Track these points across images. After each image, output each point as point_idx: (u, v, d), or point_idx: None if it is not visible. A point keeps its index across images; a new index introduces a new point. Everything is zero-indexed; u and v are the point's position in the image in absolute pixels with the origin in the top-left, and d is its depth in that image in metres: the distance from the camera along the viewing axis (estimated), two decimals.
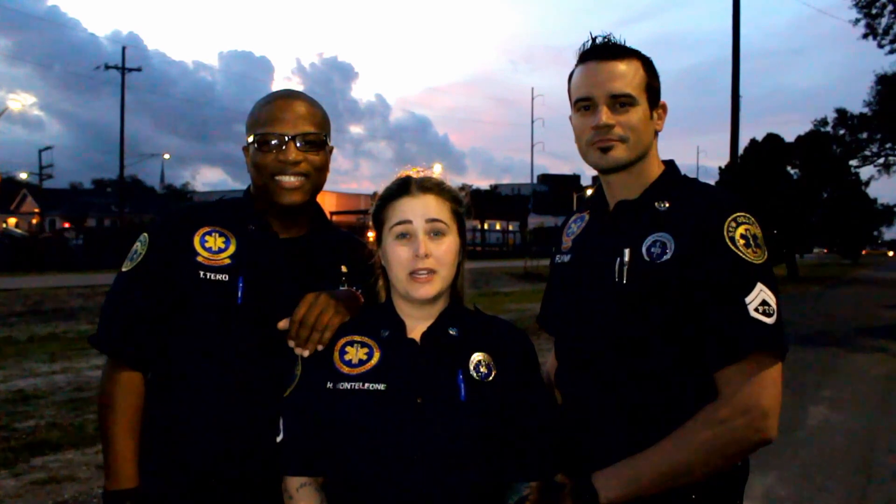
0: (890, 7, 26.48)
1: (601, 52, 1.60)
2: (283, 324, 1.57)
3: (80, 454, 5.26)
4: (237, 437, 1.63)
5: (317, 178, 1.72)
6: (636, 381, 1.54)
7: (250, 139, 1.71)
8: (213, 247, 1.70)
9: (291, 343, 1.54)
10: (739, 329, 1.44)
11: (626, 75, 1.58)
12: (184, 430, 1.65)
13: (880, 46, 26.98)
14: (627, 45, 1.63)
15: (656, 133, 1.66)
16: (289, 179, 1.67)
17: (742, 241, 1.48)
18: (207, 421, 1.64)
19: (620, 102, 1.57)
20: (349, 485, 1.43)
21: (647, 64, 1.62)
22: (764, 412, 1.43)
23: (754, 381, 1.43)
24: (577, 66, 1.65)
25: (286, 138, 1.66)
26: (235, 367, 1.64)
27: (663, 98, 1.67)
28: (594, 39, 1.63)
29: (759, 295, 1.45)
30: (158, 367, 1.70)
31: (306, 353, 1.52)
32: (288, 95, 1.74)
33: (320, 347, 1.52)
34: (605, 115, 1.57)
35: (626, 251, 1.56)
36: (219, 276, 1.66)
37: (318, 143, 1.71)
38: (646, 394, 1.54)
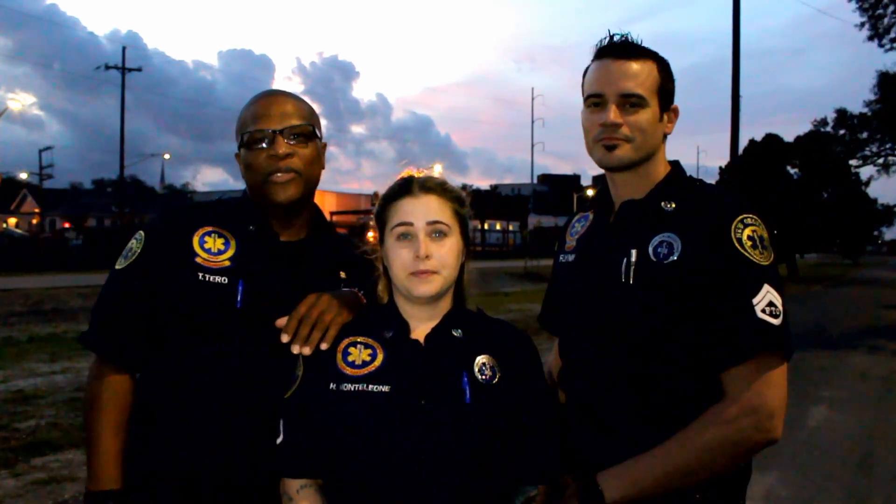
0: (892, 8, 26.44)
1: (617, 50, 1.60)
2: (281, 321, 1.53)
3: (80, 454, 5.25)
4: (234, 441, 1.61)
5: (310, 172, 1.70)
6: (641, 382, 1.54)
7: (239, 142, 1.70)
8: (212, 248, 1.67)
9: (285, 338, 1.50)
10: (747, 330, 1.44)
11: (638, 76, 1.57)
12: (179, 433, 1.63)
13: (881, 46, 26.94)
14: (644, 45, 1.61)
15: (666, 136, 1.65)
16: (281, 175, 1.65)
17: (749, 243, 1.48)
18: (204, 424, 1.62)
19: (630, 102, 1.56)
20: (352, 487, 1.42)
21: (662, 66, 1.61)
22: (770, 412, 1.43)
23: (761, 382, 1.43)
24: (592, 62, 1.64)
25: (273, 133, 1.65)
26: (233, 371, 1.62)
27: None
28: (612, 37, 1.62)
29: (766, 296, 1.46)
30: (153, 367, 1.68)
31: (307, 352, 1.49)
32: (270, 94, 1.73)
33: (324, 346, 1.50)
34: (612, 114, 1.57)
35: (634, 251, 1.56)
36: (218, 279, 1.64)
37: (307, 134, 1.69)
38: (651, 394, 1.53)
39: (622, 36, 1.62)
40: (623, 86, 1.56)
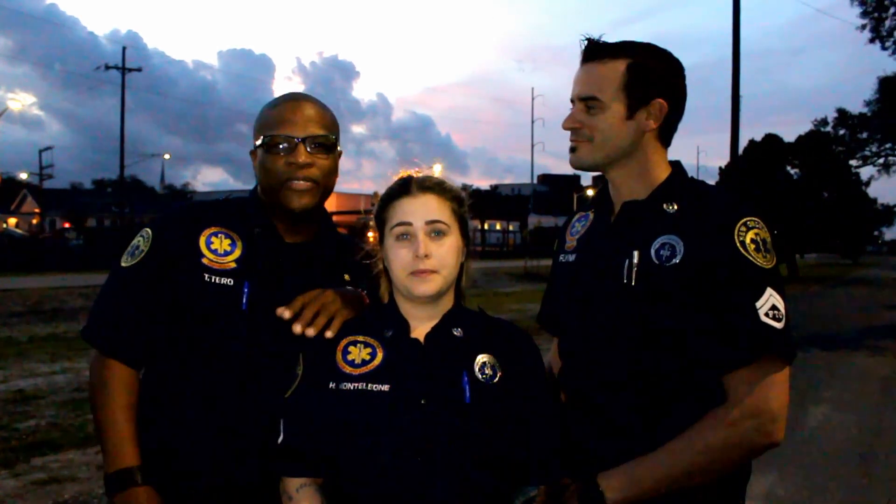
0: (893, 10, 26.37)
1: (583, 54, 1.63)
2: (281, 310, 1.54)
3: (80, 454, 5.26)
4: (236, 441, 1.61)
5: (326, 182, 1.70)
6: (642, 383, 1.54)
7: (258, 142, 1.68)
8: (218, 249, 1.66)
9: (287, 314, 1.52)
10: (750, 333, 1.44)
11: (594, 77, 1.59)
12: (181, 433, 1.63)
13: (885, 49, 26.87)
14: (631, 41, 1.60)
15: (659, 132, 1.62)
16: (299, 183, 1.64)
17: (752, 246, 1.48)
18: (206, 424, 1.62)
19: (588, 105, 1.60)
20: (351, 486, 1.42)
21: (635, 62, 1.57)
22: (773, 416, 1.44)
23: (764, 385, 1.44)
24: None
25: (296, 140, 1.64)
26: (236, 372, 1.62)
27: None
28: (589, 41, 1.62)
29: (769, 300, 1.46)
30: (155, 367, 1.67)
31: (310, 332, 1.50)
32: (296, 98, 1.72)
33: (329, 334, 1.50)
34: (568, 118, 1.63)
35: (636, 253, 1.56)
36: (224, 280, 1.64)
37: (328, 145, 1.68)
38: (652, 395, 1.53)
39: (588, 40, 1.62)
40: (578, 90, 1.62)
